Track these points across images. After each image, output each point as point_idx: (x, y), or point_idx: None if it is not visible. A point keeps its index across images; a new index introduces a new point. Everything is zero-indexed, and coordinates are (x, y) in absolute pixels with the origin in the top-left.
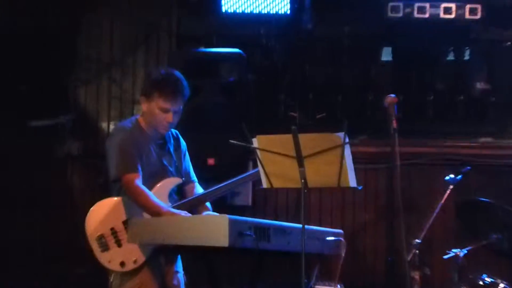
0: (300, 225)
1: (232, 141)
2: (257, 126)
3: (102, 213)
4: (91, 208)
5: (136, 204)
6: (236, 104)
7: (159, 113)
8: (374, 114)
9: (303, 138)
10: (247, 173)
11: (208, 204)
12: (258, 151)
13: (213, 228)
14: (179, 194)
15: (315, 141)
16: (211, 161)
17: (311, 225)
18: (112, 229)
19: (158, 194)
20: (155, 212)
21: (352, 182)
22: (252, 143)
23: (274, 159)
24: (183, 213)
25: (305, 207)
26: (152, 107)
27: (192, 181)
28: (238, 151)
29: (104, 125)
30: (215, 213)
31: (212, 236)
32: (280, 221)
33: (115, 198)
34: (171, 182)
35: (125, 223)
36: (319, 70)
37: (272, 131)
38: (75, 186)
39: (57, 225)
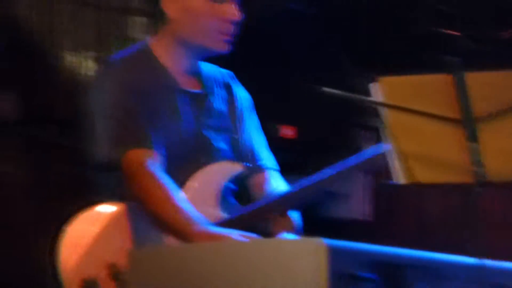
0: (472, 261)
1: (326, 90)
2: (376, 59)
3: (90, 236)
4: (68, 228)
5: (143, 206)
6: (332, 17)
7: (210, 8)
8: None
9: (476, 80)
10: (364, 157)
11: (294, 215)
12: (383, 110)
13: (296, 264)
14: (241, 196)
15: (502, 87)
16: (288, 132)
17: (494, 258)
18: (111, 266)
19: (198, 195)
20: (179, 228)
21: None
22: (369, 94)
23: (416, 125)
24: (235, 234)
25: (480, 222)
26: (193, 2)
27: (263, 168)
28: (340, 110)
29: (68, 59)
30: (298, 236)
31: (294, 280)
32: (430, 250)
33: (115, 207)
34: (225, 170)
35: None
36: None
37: (408, 68)
38: (19, 184)
39: None
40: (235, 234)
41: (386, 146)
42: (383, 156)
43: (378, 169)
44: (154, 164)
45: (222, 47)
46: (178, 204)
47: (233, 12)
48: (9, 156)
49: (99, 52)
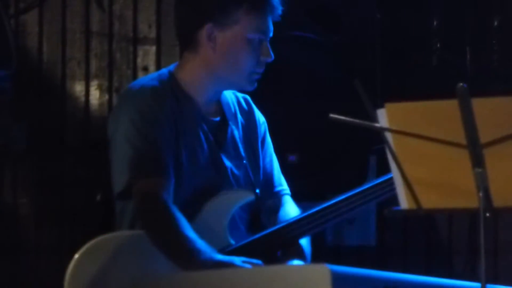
0: (478, 285)
1: (333, 116)
2: (386, 85)
3: (98, 265)
4: (76, 256)
5: (151, 238)
6: (341, 42)
7: (250, 49)
8: None
9: (482, 106)
10: (369, 184)
11: (304, 242)
12: (388, 136)
13: None
14: (254, 223)
15: (509, 113)
16: (292, 158)
17: (501, 283)
18: None
19: (207, 224)
20: (184, 258)
21: None
22: (376, 120)
23: (422, 151)
24: (238, 261)
25: (486, 248)
26: (235, 39)
27: (277, 194)
28: (347, 136)
29: (78, 88)
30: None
31: None
32: (436, 276)
33: (126, 234)
34: (235, 199)
35: None
36: None
37: (417, 94)
38: (29, 213)
39: None
40: (238, 261)
41: (393, 172)
42: (391, 182)
43: (386, 196)
44: (165, 194)
45: (252, 85)
46: (185, 233)
47: (269, 53)
48: (22, 186)
49: (111, 81)
